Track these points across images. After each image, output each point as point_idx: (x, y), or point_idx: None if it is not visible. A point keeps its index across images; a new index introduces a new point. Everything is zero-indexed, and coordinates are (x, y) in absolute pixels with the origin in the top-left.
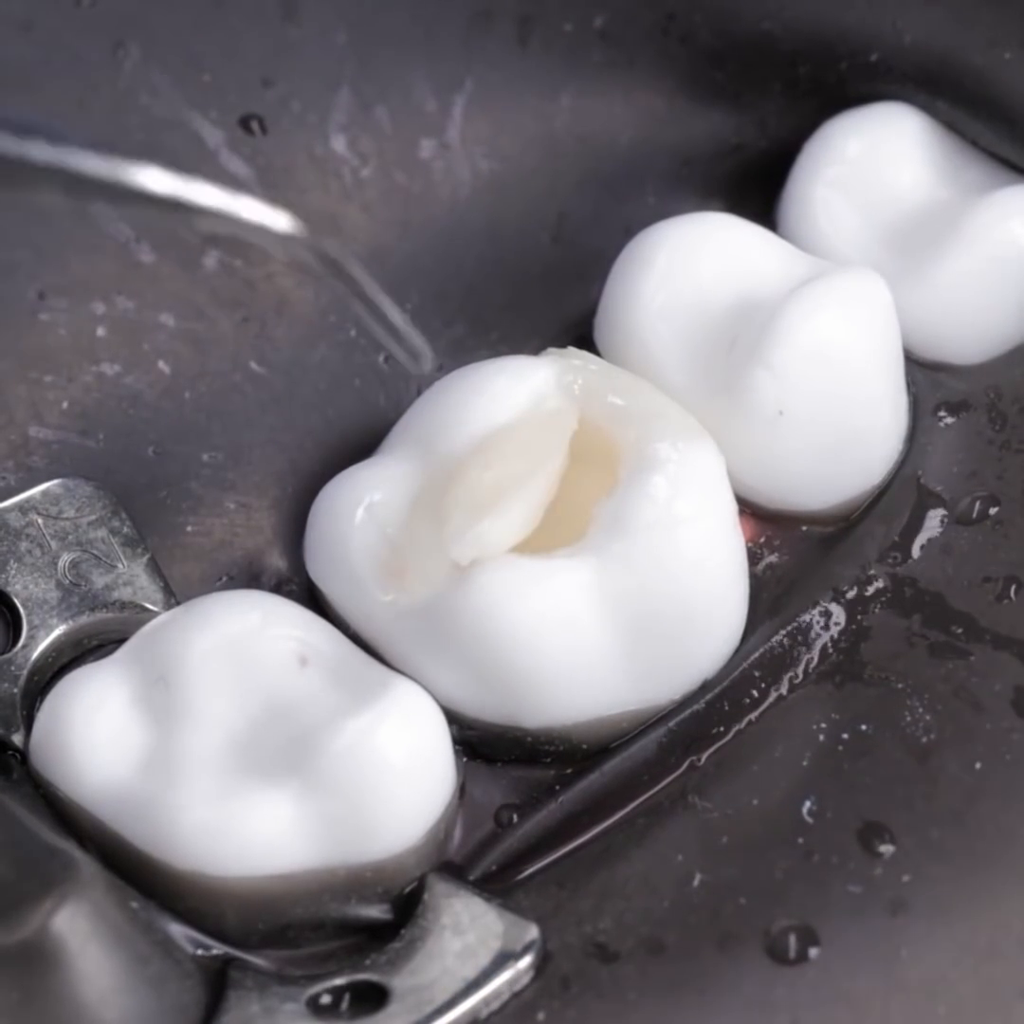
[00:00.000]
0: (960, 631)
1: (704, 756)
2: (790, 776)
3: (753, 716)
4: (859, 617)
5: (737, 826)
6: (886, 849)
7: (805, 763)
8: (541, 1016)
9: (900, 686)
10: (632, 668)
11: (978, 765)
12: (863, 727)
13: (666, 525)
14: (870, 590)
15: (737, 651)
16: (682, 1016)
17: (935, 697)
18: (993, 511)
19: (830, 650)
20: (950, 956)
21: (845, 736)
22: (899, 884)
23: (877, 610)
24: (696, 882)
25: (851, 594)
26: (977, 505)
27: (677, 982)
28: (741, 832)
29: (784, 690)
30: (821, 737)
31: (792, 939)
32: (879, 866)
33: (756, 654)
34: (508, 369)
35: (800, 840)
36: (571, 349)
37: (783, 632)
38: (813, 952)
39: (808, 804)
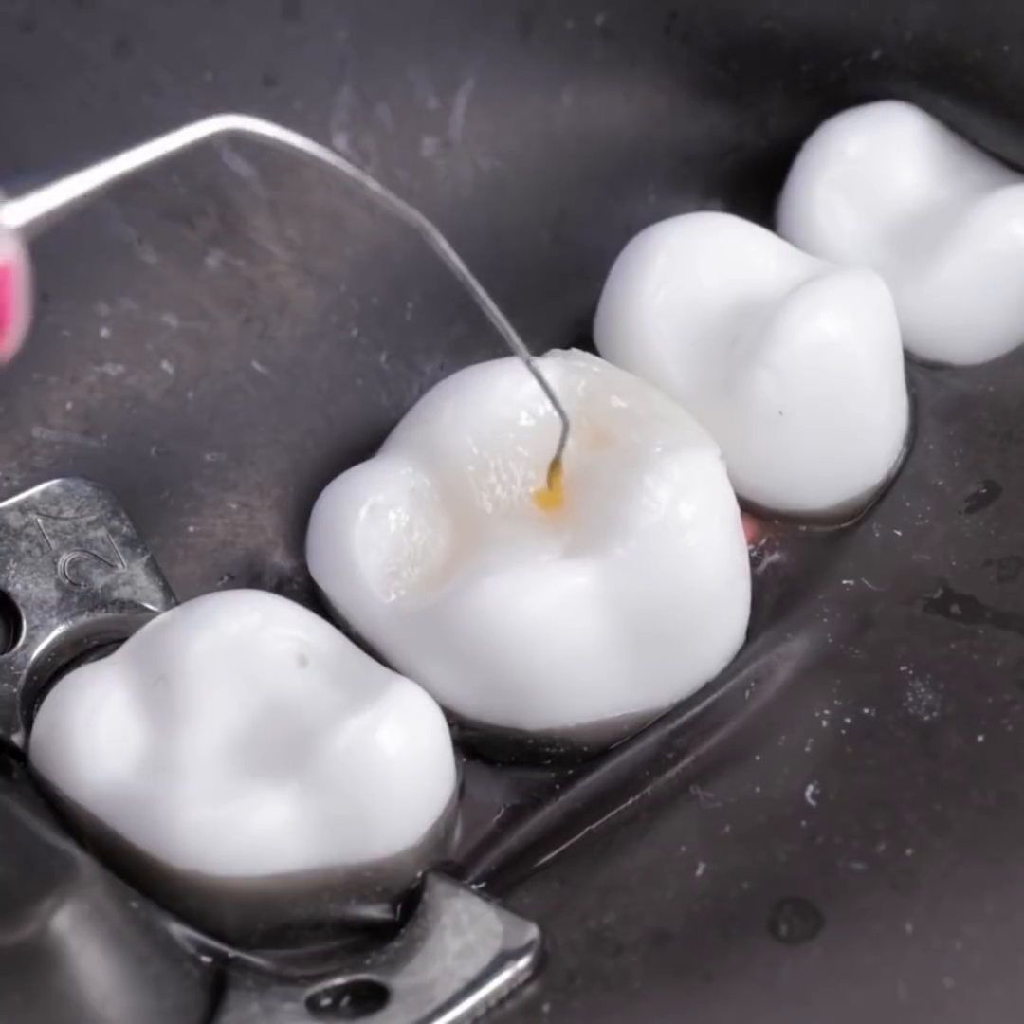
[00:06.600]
0: (963, 612)
1: (705, 749)
2: (793, 763)
3: (755, 710)
4: (862, 610)
5: (740, 814)
6: (888, 825)
7: (808, 750)
8: (546, 1008)
9: (903, 669)
10: (634, 671)
11: (980, 738)
12: (865, 711)
13: (668, 529)
14: (873, 585)
15: (739, 652)
16: (690, 1001)
17: (937, 676)
18: (995, 499)
19: (832, 642)
20: (955, 928)
21: (848, 721)
22: (902, 858)
23: (880, 602)
24: (700, 871)
25: (854, 591)
26: (979, 494)
27: (683, 969)
28: (744, 820)
29: (786, 684)
30: (824, 723)
31: (797, 920)
32: (882, 842)
33: (758, 655)
34: (512, 370)
35: (803, 823)
36: (574, 351)
37: (786, 632)
38: (818, 932)
39: (811, 789)
